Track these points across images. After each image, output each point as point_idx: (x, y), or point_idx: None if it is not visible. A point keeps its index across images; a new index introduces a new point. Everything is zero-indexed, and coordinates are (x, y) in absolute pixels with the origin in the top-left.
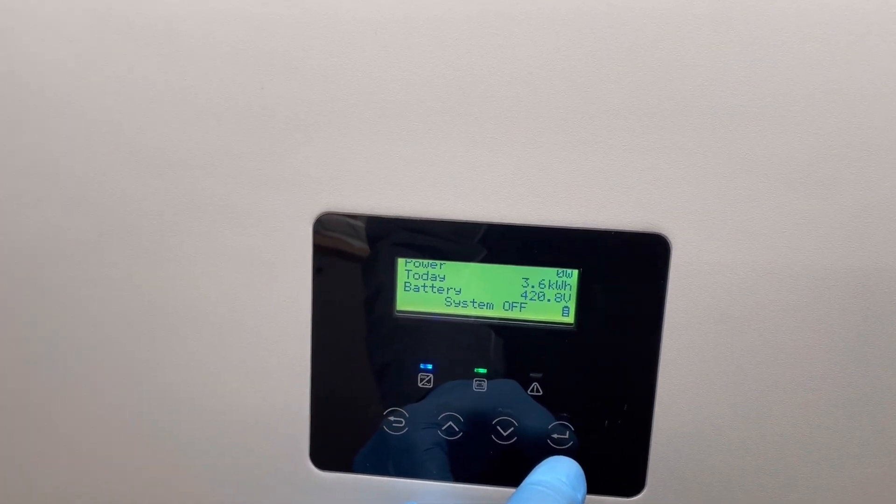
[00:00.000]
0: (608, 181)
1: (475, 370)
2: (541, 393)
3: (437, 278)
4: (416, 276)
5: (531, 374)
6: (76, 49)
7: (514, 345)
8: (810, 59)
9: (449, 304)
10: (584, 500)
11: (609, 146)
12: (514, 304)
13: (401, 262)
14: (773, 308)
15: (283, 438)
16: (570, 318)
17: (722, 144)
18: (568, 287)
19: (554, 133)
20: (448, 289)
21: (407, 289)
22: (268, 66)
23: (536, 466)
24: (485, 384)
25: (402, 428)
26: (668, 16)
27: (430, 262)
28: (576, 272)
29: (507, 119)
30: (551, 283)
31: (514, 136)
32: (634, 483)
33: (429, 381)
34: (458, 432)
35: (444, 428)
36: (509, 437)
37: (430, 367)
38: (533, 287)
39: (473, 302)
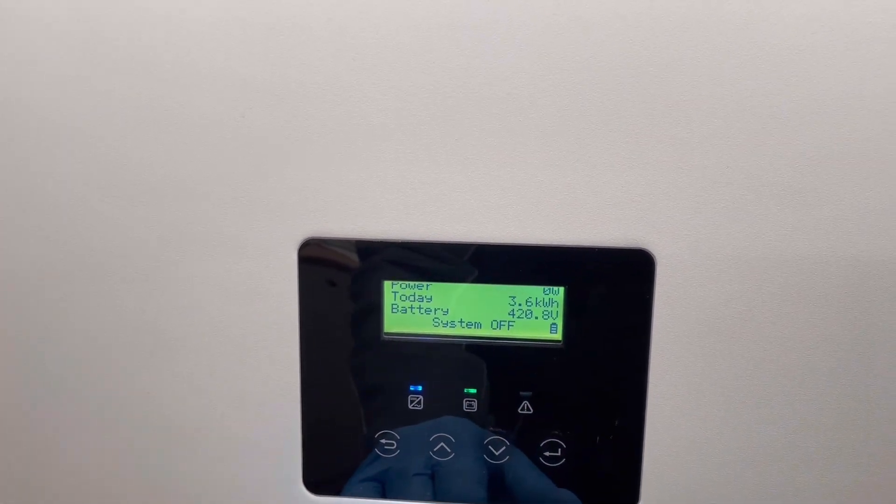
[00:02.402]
0: (591, 198)
1: (465, 390)
2: (531, 411)
3: (424, 299)
4: (403, 298)
5: (521, 393)
6: (58, 78)
7: (504, 363)
8: (791, 71)
9: (437, 324)
10: None
11: (591, 163)
12: (502, 323)
13: (387, 284)
14: (761, 318)
15: (275, 464)
16: (559, 335)
17: (703, 158)
18: (555, 304)
19: (536, 152)
20: (435, 309)
21: (394, 311)
22: (249, 93)
23: None
24: (475, 404)
25: (394, 450)
26: (649, 34)
27: (417, 283)
28: (562, 289)
29: (488, 139)
30: (538, 300)
31: (497, 156)
32: (629, 498)
33: (419, 403)
34: (450, 453)
35: (435, 449)
36: (501, 456)
37: (419, 388)
38: (520, 305)
39: (461, 322)
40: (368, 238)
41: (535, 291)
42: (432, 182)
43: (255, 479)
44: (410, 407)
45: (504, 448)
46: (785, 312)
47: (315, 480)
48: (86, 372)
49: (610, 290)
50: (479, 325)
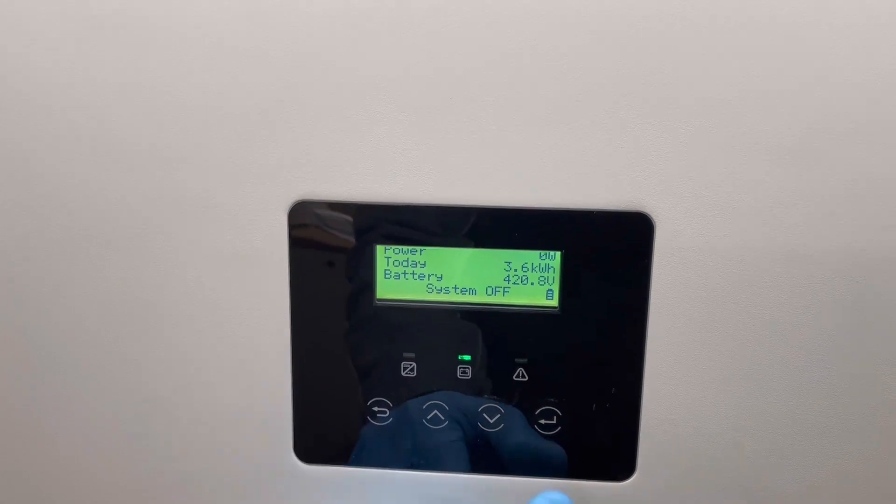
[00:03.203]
0: (589, 160)
1: (459, 357)
2: (526, 378)
3: (418, 265)
4: (396, 264)
5: (516, 360)
6: (46, 47)
7: (499, 330)
8: (793, 37)
9: (431, 290)
10: None
11: (589, 125)
12: (498, 289)
13: (380, 249)
14: (760, 285)
15: (266, 433)
16: (555, 302)
17: (704, 121)
18: (551, 269)
19: (533, 113)
20: (429, 275)
21: (387, 276)
22: (237, 55)
23: None
24: (469, 371)
25: (386, 418)
26: None
27: (410, 248)
28: (559, 254)
29: (484, 101)
30: (534, 265)
31: (492, 117)
32: (625, 467)
33: (412, 370)
34: (444, 421)
35: (429, 417)
36: (496, 423)
37: (412, 355)
38: (516, 271)
39: (456, 288)
40: (360, 201)
41: (531, 256)
42: (425, 144)
43: (246, 448)
44: (403, 374)
45: (498, 416)
46: (786, 277)
47: (306, 449)
48: (71, 341)
49: (608, 254)
50: (473, 292)
